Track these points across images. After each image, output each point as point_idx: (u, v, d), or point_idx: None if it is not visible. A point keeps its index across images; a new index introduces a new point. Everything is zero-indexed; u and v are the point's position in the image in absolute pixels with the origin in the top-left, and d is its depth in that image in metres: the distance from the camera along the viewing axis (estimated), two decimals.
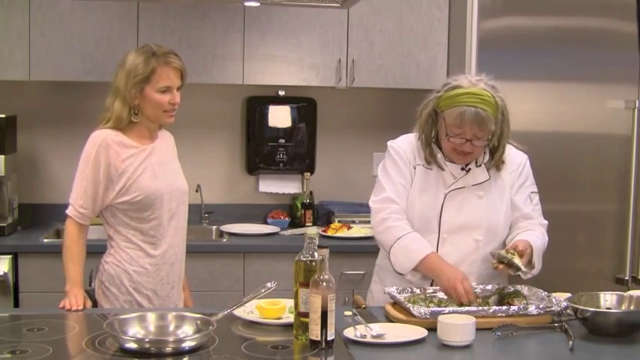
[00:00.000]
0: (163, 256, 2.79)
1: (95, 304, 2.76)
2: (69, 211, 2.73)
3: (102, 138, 2.71)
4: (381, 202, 2.75)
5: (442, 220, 2.72)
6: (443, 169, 2.73)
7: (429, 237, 2.71)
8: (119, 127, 2.75)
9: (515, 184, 2.78)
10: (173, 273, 2.83)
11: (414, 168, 2.75)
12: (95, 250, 2.85)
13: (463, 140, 2.63)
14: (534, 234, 2.72)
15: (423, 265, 2.65)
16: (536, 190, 2.83)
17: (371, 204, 2.79)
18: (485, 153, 2.74)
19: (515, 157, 2.80)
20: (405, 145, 2.79)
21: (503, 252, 2.59)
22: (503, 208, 2.75)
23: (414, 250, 2.66)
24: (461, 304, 2.52)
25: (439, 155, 2.73)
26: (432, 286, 2.70)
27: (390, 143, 2.83)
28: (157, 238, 2.78)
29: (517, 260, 2.56)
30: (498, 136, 2.68)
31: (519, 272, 2.57)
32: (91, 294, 2.78)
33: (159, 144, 2.85)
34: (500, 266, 2.58)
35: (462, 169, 2.73)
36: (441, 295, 2.61)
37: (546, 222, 2.82)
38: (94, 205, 2.72)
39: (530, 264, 2.64)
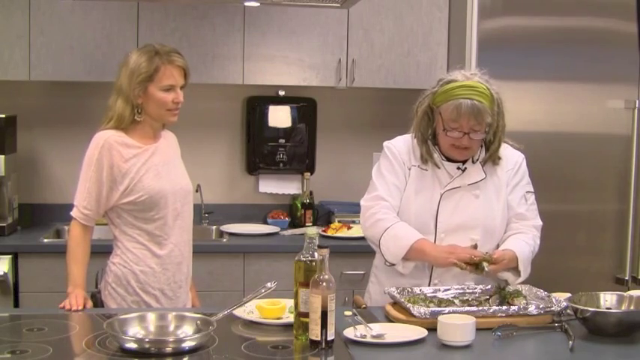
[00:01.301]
0: (169, 255, 2.79)
1: (102, 305, 2.76)
2: (73, 213, 2.73)
3: (105, 139, 2.71)
4: (371, 200, 2.77)
5: (438, 220, 2.71)
6: (439, 168, 2.73)
7: (426, 237, 2.70)
8: (121, 126, 2.75)
9: (511, 182, 2.78)
10: (180, 273, 2.83)
11: (409, 169, 2.75)
12: (99, 251, 2.85)
13: (461, 134, 2.63)
14: (522, 239, 2.71)
15: (413, 251, 2.65)
16: (532, 190, 2.82)
17: (362, 202, 2.80)
18: (481, 150, 2.74)
19: (511, 157, 2.80)
20: (401, 145, 2.79)
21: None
22: (500, 208, 2.75)
23: (403, 238, 2.66)
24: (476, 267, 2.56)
25: (435, 155, 2.73)
26: (429, 285, 2.70)
27: (385, 143, 2.83)
28: (163, 237, 2.77)
29: (485, 264, 2.56)
30: (494, 129, 2.68)
31: (483, 274, 2.58)
32: (97, 296, 2.78)
33: (162, 144, 2.85)
34: (469, 267, 2.59)
35: (458, 168, 2.73)
36: (441, 295, 2.61)
37: (541, 223, 2.81)
38: (98, 206, 2.72)
39: (516, 271, 2.66)
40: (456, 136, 2.64)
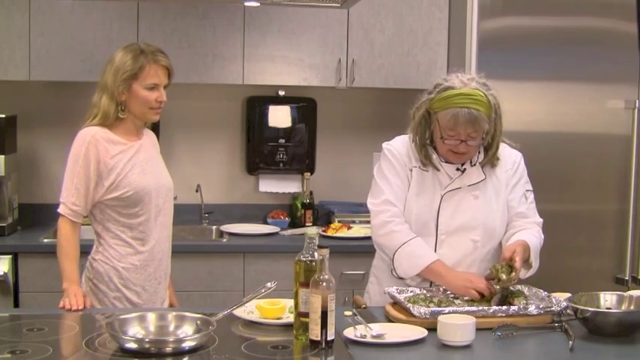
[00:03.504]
0: (151, 252, 2.82)
1: None
2: (61, 210, 2.74)
3: (91, 135, 2.74)
4: (381, 205, 2.74)
5: (439, 221, 2.71)
6: (438, 170, 2.73)
7: (427, 239, 2.71)
8: (106, 123, 2.78)
9: (510, 182, 2.78)
10: (160, 269, 2.86)
11: (410, 170, 2.75)
12: (89, 251, 2.85)
13: (458, 141, 2.63)
14: (530, 233, 2.72)
15: (428, 271, 2.65)
16: (531, 189, 2.82)
17: (370, 206, 2.79)
18: (479, 152, 2.74)
19: (509, 156, 2.80)
20: (400, 146, 2.79)
21: (493, 269, 2.58)
22: (500, 208, 2.75)
23: (419, 257, 2.66)
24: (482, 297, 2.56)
25: (434, 156, 2.73)
26: (430, 285, 2.70)
27: (385, 145, 2.83)
28: (146, 234, 2.80)
29: (504, 276, 2.54)
30: (492, 133, 2.68)
31: (507, 284, 2.55)
32: None
33: (145, 141, 2.89)
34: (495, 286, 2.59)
35: (458, 169, 2.73)
36: (441, 295, 2.61)
37: (541, 220, 2.81)
38: (86, 202, 2.74)
39: (527, 263, 2.65)
40: (453, 144, 2.64)
